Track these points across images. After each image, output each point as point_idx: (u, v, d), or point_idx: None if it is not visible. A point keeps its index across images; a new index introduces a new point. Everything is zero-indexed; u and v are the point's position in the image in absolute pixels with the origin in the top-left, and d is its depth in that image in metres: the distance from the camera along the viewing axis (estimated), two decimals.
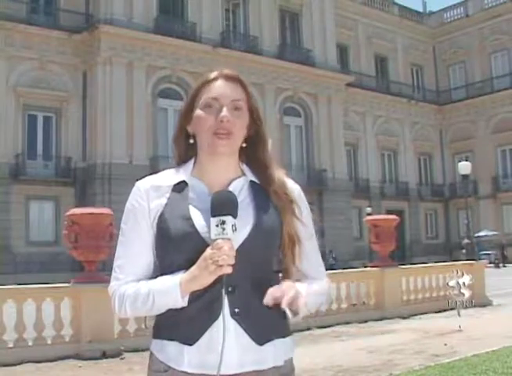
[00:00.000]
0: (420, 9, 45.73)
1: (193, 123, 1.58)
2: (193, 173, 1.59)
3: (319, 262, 1.69)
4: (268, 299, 1.46)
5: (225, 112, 1.52)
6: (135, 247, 1.55)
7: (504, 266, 31.48)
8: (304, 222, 1.61)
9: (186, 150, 1.63)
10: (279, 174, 1.63)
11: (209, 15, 30.68)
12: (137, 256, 1.55)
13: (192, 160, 1.61)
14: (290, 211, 1.58)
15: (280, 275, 1.60)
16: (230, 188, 1.54)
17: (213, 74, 1.58)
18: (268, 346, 1.50)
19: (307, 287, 1.53)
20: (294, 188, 1.65)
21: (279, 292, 1.45)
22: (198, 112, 1.56)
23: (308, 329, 9.46)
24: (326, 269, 1.76)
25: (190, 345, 1.47)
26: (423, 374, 6.02)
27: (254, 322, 1.49)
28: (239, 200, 1.51)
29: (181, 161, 1.63)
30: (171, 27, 29.15)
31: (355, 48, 39.90)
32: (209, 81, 1.58)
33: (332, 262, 28.96)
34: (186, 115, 1.60)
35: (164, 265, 1.54)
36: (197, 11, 30.28)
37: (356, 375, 6.38)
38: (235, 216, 1.44)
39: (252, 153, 1.63)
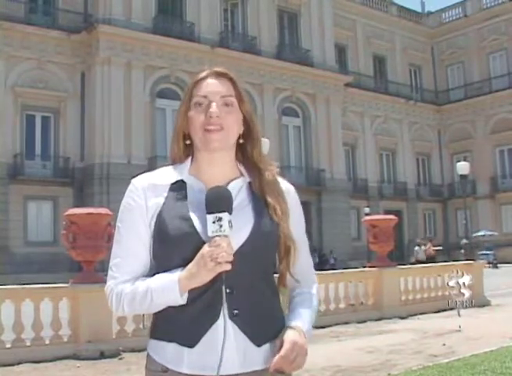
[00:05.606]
0: (419, 9, 45.77)
1: (188, 123, 1.57)
2: (191, 171, 1.58)
3: (310, 265, 1.69)
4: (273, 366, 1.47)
5: (213, 108, 1.52)
6: (131, 246, 1.54)
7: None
8: (297, 225, 1.62)
9: (183, 151, 1.61)
10: (273, 174, 1.61)
11: (207, 15, 30.66)
12: (134, 255, 1.54)
13: (189, 159, 1.61)
14: (285, 214, 1.57)
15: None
16: (228, 188, 1.53)
17: (203, 73, 1.58)
18: (266, 347, 1.51)
19: (307, 327, 1.57)
20: (289, 189, 1.64)
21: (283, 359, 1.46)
22: (190, 112, 1.56)
23: None
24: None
25: (191, 347, 1.47)
26: (422, 374, 6.01)
27: (253, 323, 1.49)
28: (237, 201, 1.51)
29: (177, 162, 1.62)
30: (170, 27, 29.14)
31: (354, 48, 39.89)
32: (199, 80, 1.58)
33: (332, 262, 29.12)
34: (182, 116, 1.59)
35: (160, 264, 1.53)
36: (196, 11, 30.26)
37: (354, 375, 6.38)
38: (230, 212, 1.44)
39: (245, 152, 1.62)
